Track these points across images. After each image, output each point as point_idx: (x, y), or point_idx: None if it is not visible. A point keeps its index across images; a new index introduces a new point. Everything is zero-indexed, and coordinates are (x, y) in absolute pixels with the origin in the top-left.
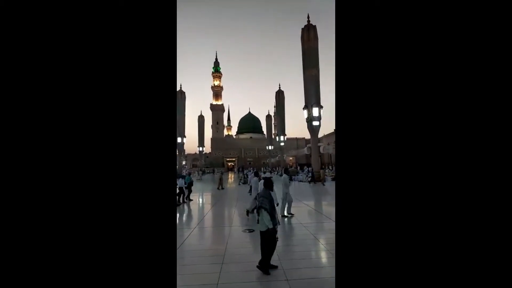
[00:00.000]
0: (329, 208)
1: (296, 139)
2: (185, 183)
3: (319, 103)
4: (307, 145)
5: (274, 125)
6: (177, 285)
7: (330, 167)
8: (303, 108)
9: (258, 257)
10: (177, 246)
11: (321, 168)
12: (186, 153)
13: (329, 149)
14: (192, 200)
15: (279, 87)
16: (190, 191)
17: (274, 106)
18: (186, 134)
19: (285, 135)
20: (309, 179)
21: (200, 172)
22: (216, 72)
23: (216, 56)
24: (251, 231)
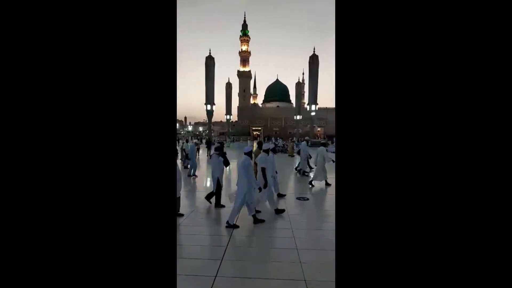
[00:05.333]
0: None
1: (326, 109)
2: None
3: None
4: None
5: (303, 94)
6: None
7: None
8: None
9: None
10: None
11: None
12: (213, 121)
13: None
14: None
15: (314, 51)
16: None
17: (302, 73)
18: (214, 102)
19: (317, 104)
20: None
21: (229, 140)
22: (244, 35)
23: (245, 17)
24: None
